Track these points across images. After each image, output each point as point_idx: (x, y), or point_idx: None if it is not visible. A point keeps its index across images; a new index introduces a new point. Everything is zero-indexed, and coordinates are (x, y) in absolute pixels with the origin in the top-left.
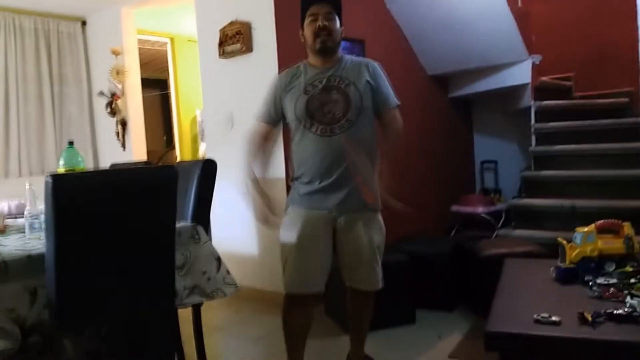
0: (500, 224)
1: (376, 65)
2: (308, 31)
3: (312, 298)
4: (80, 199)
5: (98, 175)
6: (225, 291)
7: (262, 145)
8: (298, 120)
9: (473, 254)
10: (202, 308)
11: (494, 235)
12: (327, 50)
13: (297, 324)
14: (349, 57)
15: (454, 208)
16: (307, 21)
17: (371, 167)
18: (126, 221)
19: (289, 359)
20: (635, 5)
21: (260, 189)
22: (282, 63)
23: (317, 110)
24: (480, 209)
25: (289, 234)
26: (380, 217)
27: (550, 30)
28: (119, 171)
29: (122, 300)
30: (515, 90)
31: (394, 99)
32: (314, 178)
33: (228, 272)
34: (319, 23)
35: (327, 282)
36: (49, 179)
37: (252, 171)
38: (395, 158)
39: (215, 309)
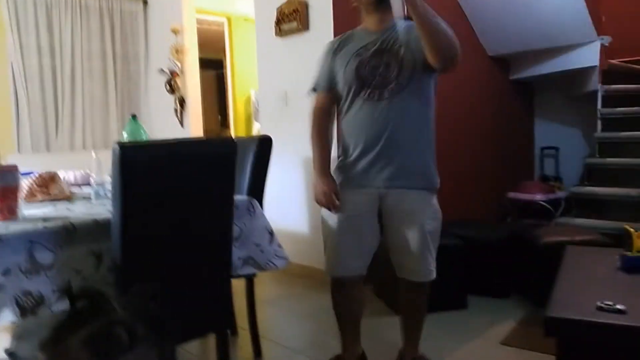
0: (559, 213)
1: None
2: None
3: (355, 280)
4: (145, 168)
5: (163, 145)
6: (276, 264)
7: (328, 120)
8: (348, 86)
9: (531, 241)
10: (253, 282)
11: (553, 223)
12: (382, 2)
13: (345, 307)
14: (402, 22)
15: (511, 195)
16: None
17: (418, 139)
18: (189, 190)
19: (342, 341)
20: None
21: (329, 173)
22: None
23: (367, 74)
24: (538, 197)
25: (330, 215)
26: (435, 200)
27: (622, 10)
28: (183, 142)
29: (182, 267)
30: (581, 74)
31: None
32: (358, 150)
33: (279, 245)
34: None
35: (374, 263)
36: (117, 147)
37: (324, 154)
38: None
39: (265, 284)
